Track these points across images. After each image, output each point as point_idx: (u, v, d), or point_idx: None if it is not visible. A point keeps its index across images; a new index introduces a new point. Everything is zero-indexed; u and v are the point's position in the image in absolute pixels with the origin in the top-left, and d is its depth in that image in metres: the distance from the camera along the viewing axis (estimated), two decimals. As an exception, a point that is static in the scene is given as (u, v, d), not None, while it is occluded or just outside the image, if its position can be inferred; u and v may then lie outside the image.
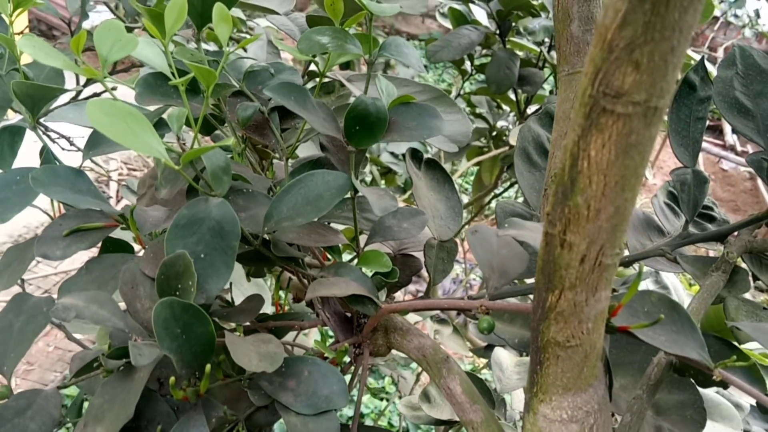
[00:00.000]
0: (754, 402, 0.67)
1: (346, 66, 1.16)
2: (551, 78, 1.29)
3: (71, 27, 0.90)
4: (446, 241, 0.55)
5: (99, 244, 0.47)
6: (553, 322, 0.32)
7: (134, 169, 3.41)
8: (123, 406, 0.37)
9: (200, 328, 0.37)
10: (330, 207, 0.43)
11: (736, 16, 5.79)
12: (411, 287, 3.03)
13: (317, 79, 0.63)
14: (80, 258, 2.28)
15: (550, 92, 1.49)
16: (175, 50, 0.46)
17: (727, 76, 0.52)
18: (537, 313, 0.33)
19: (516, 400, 0.87)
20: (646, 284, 0.79)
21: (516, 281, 0.54)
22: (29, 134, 0.52)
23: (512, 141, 1.30)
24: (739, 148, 5.35)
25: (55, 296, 0.43)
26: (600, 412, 0.35)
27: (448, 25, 1.29)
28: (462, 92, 1.57)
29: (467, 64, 1.40)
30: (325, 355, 0.49)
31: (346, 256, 0.61)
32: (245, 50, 0.67)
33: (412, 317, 1.21)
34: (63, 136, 0.65)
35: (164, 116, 0.46)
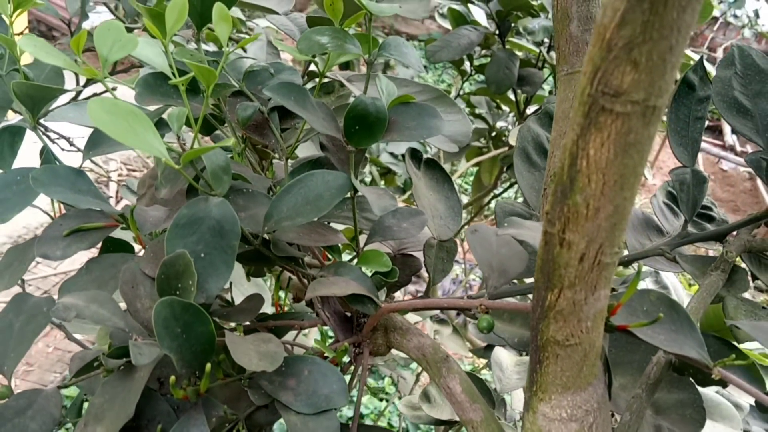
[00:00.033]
0: (753, 402, 0.67)
1: (345, 66, 1.16)
2: (551, 78, 1.29)
3: (71, 28, 0.90)
4: (446, 241, 0.55)
5: (99, 244, 0.47)
6: (552, 321, 0.32)
7: (134, 170, 3.41)
8: (123, 406, 0.38)
9: (200, 327, 0.37)
10: (330, 207, 0.44)
11: (735, 16, 5.80)
12: (410, 288, 3.03)
13: (317, 80, 0.63)
14: (80, 259, 2.28)
15: (550, 92, 1.49)
16: (175, 50, 0.46)
17: (726, 75, 0.52)
18: (536, 311, 0.33)
19: (516, 400, 0.87)
20: (646, 284, 0.80)
21: (515, 281, 0.54)
22: (29, 134, 0.52)
23: (512, 141, 1.31)
24: (738, 149, 5.35)
25: (54, 297, 0.43)
26: (599, 411, 0.35)
27: (447, 25, 1.29)
28: (461, 92, 1.57)
29: (467, 65, 1.40)
30: (325, 354, 0.49)
31: (345, 256, 0.61)
32: (245, 50, 0.67)
33: (411, 317, 1.21)
34: (63, 137, 0.66)
35: (164, 116, 0.46)
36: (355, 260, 0.52)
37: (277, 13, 0.68)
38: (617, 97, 0.24)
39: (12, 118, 0.55)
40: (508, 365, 0.68)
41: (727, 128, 5.56)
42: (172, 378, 0.38)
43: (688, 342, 0.35)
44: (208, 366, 0.38)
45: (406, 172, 2.10)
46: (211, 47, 0.94)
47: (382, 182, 2.08)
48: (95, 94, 0.86)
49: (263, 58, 0.70)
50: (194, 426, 0.38)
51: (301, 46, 0.47)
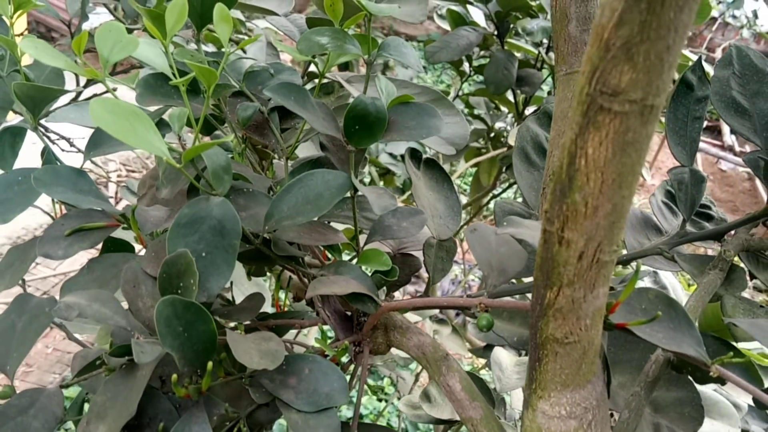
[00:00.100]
0: (752, 402, 0.67)
1: (345, 67, 1.17)
2: (549, 79, 1.29)
3: (71, 29, 0.90)
4: (445, 240, 0.55)
5: (100, 244, 0.47)
6: (551, 319, 0.32)
7: (133, 171, 3.41)
8: (125, 404, 0.38)
9: (202, 326, 0.38)
10: (330, 206, 0.44)
11: (734, 16, 5.81)
12: (410, 288, 3.03)
13: (317, 80, 0.63)
14: (80, 259, 2.28)
15: (549, 93, 1.49)
16: (175, 51, 0.46)
17: (724, 75, 0.52)
18: (535, 310, 0.33)
19: (516, 399, 0.87)
20: (644, 284, 0.80)
21: (514, 280, 0.54)
22: (30, 135, 0.52)
23: (511, 141, 1.31)
24: (737, 149, 5.35)
25: (54, 297, 0.43)
26: (598, 409, 0.36)
27: (446, 26, 1.29)
28: (460, 93, 1.57)
29: (465, 66, 1.40)
30: (326, 353, 0.50)
31: (345, 256, 0.61)
32: (245, 51, 0.67)
33: (411, 317, 1.21)
34: (63, 137, 0.66)
35: (165, 116, 0.46)
36: (356, 259, 0.52)
37: (276, 14, 0.68)
38: (615, 97, 0.24)
39: (12, 118, 0.55)
40: (507, 365, 0.68)
41: (726, 128, 5.57)
42: (174, 376, 0.38)
43: (687, 340, 0.35)
44: (210, 364, 0.38)
45: (405, 173, 2.11)
46: (210, 48, 0.94)
47: (381, 183, 2.08)
48: (95, 95, 0.86)
49: (263, 58, 0.70)
50: (196, 424, 0.39)
51: (300, 47, 0.48)
